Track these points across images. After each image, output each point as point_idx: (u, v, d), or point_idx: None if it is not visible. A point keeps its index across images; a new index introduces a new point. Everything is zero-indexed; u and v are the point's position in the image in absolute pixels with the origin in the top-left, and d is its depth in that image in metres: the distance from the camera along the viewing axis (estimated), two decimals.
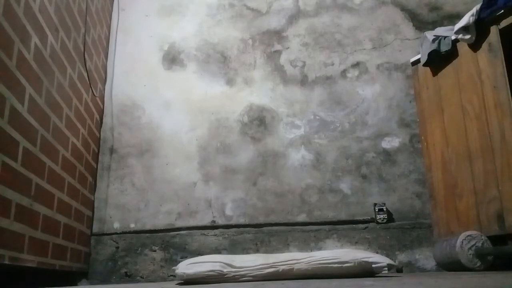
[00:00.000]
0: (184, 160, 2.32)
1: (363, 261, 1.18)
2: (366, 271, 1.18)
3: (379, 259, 1.19)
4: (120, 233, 2.20)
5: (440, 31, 2.00)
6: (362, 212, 2.15)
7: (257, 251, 2.11)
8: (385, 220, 2.09)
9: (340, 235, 2.12)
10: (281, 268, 1.17)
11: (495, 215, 1.63)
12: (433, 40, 1.94)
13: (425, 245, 2.04)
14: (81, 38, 1.99)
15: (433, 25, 2.36)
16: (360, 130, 2.30)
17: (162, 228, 2.20)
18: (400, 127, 2.28)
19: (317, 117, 2.35)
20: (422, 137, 2.10)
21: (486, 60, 1.73)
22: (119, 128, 2.39)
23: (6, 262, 1.26)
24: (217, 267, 1.16)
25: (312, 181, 2.23)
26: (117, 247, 2.18)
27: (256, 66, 2.47)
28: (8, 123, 1.28)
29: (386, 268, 1.18)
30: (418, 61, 2.09)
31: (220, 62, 2.49)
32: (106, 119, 2.39)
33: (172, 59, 2.50)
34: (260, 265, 1.19)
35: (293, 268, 1.17)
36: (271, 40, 2.50)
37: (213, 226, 2.20)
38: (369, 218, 2.12)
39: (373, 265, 1.18)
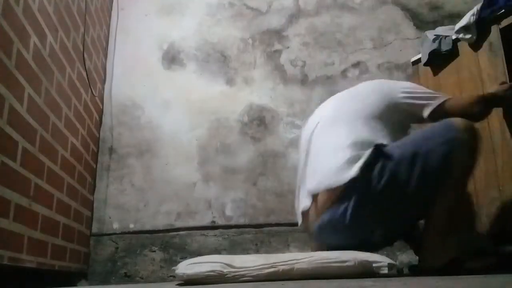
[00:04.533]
0: (184, 160, 2.31)
1: (363, 260, 1.17)
2: (366, 270, 1.18)
3: (379, 259, 1.19)
4: (119, 234, 2.19)
5: (441, 30, 1.99)
6: None
7: (257, 251, 2.11)
8: None
9: None
10: (281, 268, 1.17)
11: (496, 216, 1.63)
12: (434, 40, 1.93)
13: None
14: (80, 37, 1.98)
15: (434, 24, 2.36)
16: None
17: (161, 229, 2.19)
18: None
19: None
20: None
21: (487, 60, 1.72)
22: (118, 128, 2.38)
23: (6, 262, 1.25)
24: (217, 267, 1.15)
25: None
26: (117, 248, 2.17)
27: (256, 66, 2.46)
28: (7, 123, 1.27)
29: (386, 267, 1.18)
30: (418, 60, 2.08)
31: (220, 61, 2.48)
32: (106, 119, 2.39)
33: (171, 58, 2.50)
34: (260, 265, 1.18)
35: (293, 268, 1.17)
36: (271, 40, 2.50)
37: (213, 227, 2.19)
38: None
39: (373, 265, 1.18)
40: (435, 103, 1.42)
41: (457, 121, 1.28)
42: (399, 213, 1.29)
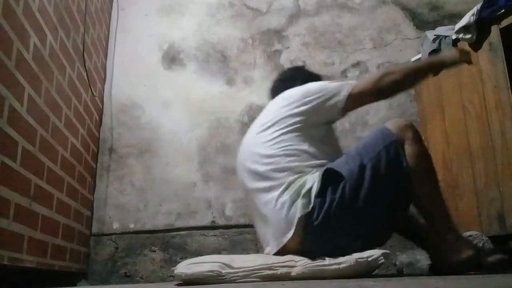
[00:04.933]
0: (184, 160, 2.31)
1: (358, 258, 1.18)
2: (363, 267, 1.18)
3: (372, 252, 1.19)
4: (119, 234, 2.19)
5: (441, 30, 1.99)
6: None
7: (257, 251, 2.11)
8: None
9: None
10: (279, 271, 1.17)
11: (496, 215, 1.63)
12: (434, 40, 1.94)
13: None
14: (80, 37, 1.98)
15: (434, 24, 2.36)
16: (361, 130, 2.29)
17: (161, 229, 2.19)
18: None
19: None
20: (423, 137, 2.09)
21: (487, 60, 1.72)
22: (118, 128, 2.38)
23: (6, 262, 1.25)
24: (216, 267, 1.15)
25: None
26: (117, 248, 2.17)
27: (256, 66, 2.46)
28: (7, 123, 1.27)
29: (382, 257, 1.18)
30: (418, 60, 2.09)
31: (220, 61, 2.48)
32: (106, 119, 2.39)
33: (171, 58, 2.50)
34: (259, 265, 1.19)
35: (291, 272, 1.17)
36: (271, 40, 2.50)
37: (213, 227, 2.19)
38: None
39: (369, 259, 1.18)
40: (342, 97, 1.37)
41: (390, 124, 1.31)
42: (365, 222, 1.27)
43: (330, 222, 1.24)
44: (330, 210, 1.23)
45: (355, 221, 1.25)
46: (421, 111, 2.11)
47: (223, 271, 1.15)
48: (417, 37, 2.37)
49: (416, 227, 1.43)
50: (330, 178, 1.26)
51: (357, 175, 1.25)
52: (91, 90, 2.15)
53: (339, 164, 1.30)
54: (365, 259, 1.17)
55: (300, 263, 1.19)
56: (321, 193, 1.25)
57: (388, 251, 1.19)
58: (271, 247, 1.33)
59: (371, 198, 1.24)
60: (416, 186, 1.26)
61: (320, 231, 1.24)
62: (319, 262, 1.19)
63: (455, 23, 1.89)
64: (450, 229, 1.25)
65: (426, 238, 1.39)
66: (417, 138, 1.29)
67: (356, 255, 1.18)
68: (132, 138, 2.36)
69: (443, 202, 1.29)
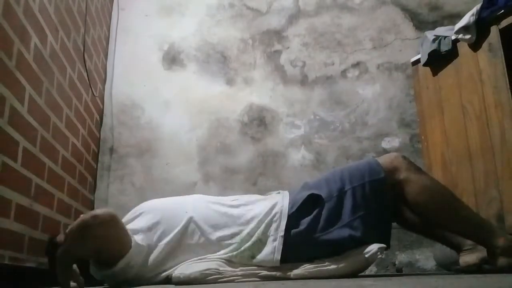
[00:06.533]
0: (184, 160, 2.31)
1: (355, 256, 1.17)
2: (362, 263, 1.18)
3: (369, 248, 1.18)
4: None
5: (441, 31, 1.99)
6: None
7: None
8: None
9: None
10: (278, 273, 1.18)
11: (495, 216, 1.63)
12: (433, 40, 1.94)
13: (425, 245, 2.04)
14: (80, 38, 1.99)
15: (434, 24, 2.36)
16: (360, 130, 2.29)
17: None
18: (400, 127, 2.28)
19: (317, 117, 2.34)
20: (422, 137, 2.10)
21: (487, 60, 1.72)
22: (118, 128, 2.38)
23: (6, 262, 1.26)
24: (214, 265, 1.16)
25: None
26: None
27: (256, 66, 2.46)
28: (8, 123, 1.28)
29: (378, 252, 1.16)
30: (418, 61, 2.09)
31: (220, 62, 2.49)
32: (106, 119, 2.39)
33: (171, 59, 2.50)
34: (258, 266, 1.19)
35: (290, 275, 1.17)
36: (271, 40, 2.50)
37: None
38: None
39: (366, 255, 1.17)
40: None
41: (382, 158, 1.27)
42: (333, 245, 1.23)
43: (302, 242, 1.22)
44: (303, 232, 1.21)
45: (324, 244, 1.22)
46: (420, 111, 2.12)
47: (220, 269, 1.15)
48: (417, 37, 2.38)
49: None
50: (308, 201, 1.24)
51: (335, 198, 1.23)
52: (92, 90, 2.16)
53: (319, 185, 1.28)
54: (362, 255, 1.17)
55: (298, 265, 1.19)
56: (298, 212, 1.23)
57: (384, 245, 1.18)
58: None
59: (344, 223, 1.21)
60: (439, 217, 1.21)
61: (295, 249, 1.22)
62: (317, 264, 1.18)
63: (455, 23, 1.89)
64: (495, 234, 1.17)
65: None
66: (414, 168, 1.23)
67: (353, 253, 1.18)
68: (132, 138, 2.36)
69: (473, 214, 1.23)
